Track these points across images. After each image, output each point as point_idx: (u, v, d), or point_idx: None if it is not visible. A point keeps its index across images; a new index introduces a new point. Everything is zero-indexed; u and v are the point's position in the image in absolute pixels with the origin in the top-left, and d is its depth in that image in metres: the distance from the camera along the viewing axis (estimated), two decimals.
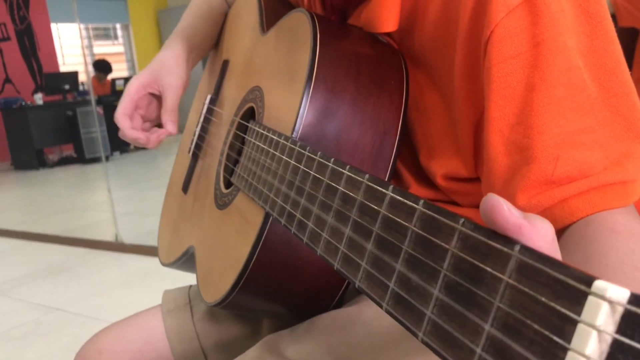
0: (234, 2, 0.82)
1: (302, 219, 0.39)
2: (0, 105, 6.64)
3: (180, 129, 0.80)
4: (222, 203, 0.64)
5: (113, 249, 2.95)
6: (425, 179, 0.57)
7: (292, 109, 0.51)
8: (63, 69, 7.62)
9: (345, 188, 0.34)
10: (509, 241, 0.21)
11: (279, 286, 0.54)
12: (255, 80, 0.66)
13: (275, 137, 0.50)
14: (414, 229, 0.26)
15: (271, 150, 0.50)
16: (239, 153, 0.63)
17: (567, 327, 0.18)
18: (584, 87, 0.41)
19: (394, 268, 0.27)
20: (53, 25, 7.49)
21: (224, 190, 0.64)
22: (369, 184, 0.31)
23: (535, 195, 0.41)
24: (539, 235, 0.22)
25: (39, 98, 6.66)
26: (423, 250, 0.26)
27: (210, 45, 0.86)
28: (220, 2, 0.83)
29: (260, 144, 0.54)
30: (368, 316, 0.52)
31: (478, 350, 0.21)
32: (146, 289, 2.31)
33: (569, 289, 0.18)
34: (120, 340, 0.69)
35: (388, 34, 0.56)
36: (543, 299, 0.19)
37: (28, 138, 6.47)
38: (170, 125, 0.74)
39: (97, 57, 7.76)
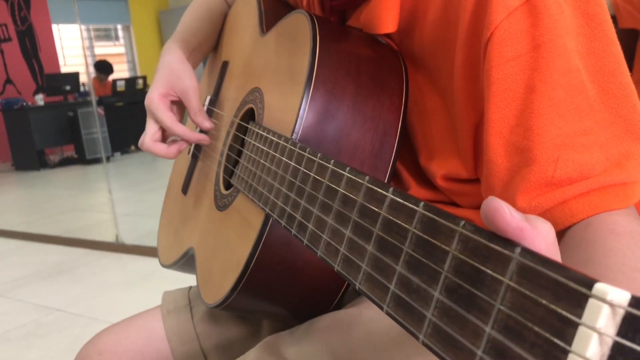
0: (234, 3, 0.82)
1: (303, 220, 0.39)
2: (2, 106, 6.66)
3: None
4: (222, 204, 0.63)
5: (113, 249, 2.95)
6: (425, 180, 0.57)
7: (292, 110, 0.51)
8: (64, 69, 7.64)
9: (345, 190, 0.34)
10: (510, 243, 0.21)
11: (279, 288, 0.54)
12: (254, 81, 0.66)
13: (275, 139, 0.50)
14: (415, 231, 0.26)
15: (271, 151, 0.50)
16: (239, 154, 0.63)
17: (568, 330, 0.18)
18: (584, 89, 0.41)
19: (395, 270, 0.27)
20: (54, 26, 7.51)
21: (224, 192, 0.64)
22: (369, 185, 0.31)
23: (535, 197, 0.41)
24: (540, 237, 0.22)
25: (40, 99, 6.68)
26: (424, 252, 0.26)
27: (210, 47, 0.86)
28: (219, 3, 0.83)
29: (260, 146, 0.54)
30: (368, 318, 0.52)
31: (479, 353, 0.21)
32: (147, 290, 2.30)
33: (570, 291, 0.18)
34: (120, 341, 0.69)
35: (388, 35, 0.56)
36: (544, 301, 0.19)
37: (29, 139, 6.48)
38: (206, 123, 0.73)
39: (98, 58, 7.76)
